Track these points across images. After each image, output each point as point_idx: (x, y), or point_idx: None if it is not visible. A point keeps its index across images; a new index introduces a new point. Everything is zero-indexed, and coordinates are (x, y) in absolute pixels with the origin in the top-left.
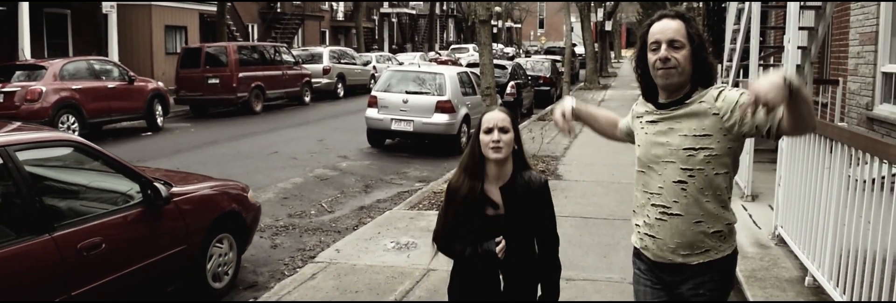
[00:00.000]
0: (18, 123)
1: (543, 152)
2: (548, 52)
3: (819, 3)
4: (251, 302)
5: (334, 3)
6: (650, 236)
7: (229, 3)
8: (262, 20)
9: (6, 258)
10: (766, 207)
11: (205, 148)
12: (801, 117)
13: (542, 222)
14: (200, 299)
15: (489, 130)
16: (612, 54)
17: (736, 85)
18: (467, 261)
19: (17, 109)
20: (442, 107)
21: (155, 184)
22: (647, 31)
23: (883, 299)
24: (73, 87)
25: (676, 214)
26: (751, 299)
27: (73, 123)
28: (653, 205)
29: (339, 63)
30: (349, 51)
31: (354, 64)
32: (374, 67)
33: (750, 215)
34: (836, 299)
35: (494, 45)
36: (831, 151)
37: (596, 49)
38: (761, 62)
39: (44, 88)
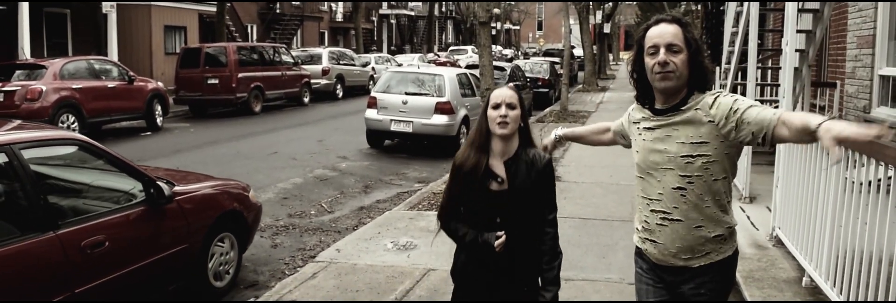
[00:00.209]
0: (19, 121)
1: None
2: (546, 54)
3: (817, 6)
4: (252, 301)
5: (333, 4)
6: (651, 240)
7: (229, 4)
8: (262, 21)
9: (11, 256)
10: (764, 208)
11: (204, 148)
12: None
13: (543, 201)
14: (202, 297)
15: (497, 106)
16: (611, 57)
17: (734, 87)
18: (466, 247)
19: (17, 108)
20: (441, 108)
21: (158, 183)
22: (643, 35)
23: (879, 300)
24: (74, 86)
25: (677, 220)
26: (749, 300)
27: (72, 123)
28: (653, 211)
29: (338, 64)
30: (348, 52)
31: (353, 65)
32: (373, 69)
33: (748, 217)
34: (833, 300)
35: (493, 46)
36: (828, 153)
37: (594, 51)
38: (759, 65)
39: (44, 88)
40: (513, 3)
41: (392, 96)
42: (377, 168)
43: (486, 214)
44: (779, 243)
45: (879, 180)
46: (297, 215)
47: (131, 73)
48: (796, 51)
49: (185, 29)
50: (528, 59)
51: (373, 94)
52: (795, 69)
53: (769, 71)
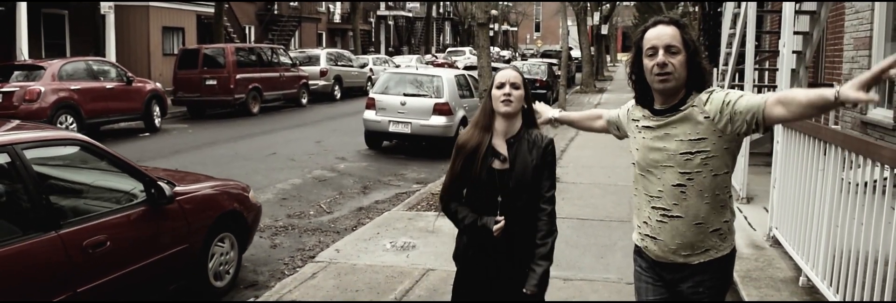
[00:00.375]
0: (18, 122)
1: None
2: (544, 55)
3: (814, 8)
4: (252, 301)
5: (331, 6)
6: (651, 237)
7: (227, 5)
8: (259, 22)
9: (13, 255)
10: (761, 209)
11: (203, 149)
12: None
13: (544, 179)
14: (202, 297)
15: (501, 85)
16: (608, 58)
17: (732, 88)
18: (465, 230)
19: (15, 109)
20: (439, 109)
21: (159, 183)
22: (642, 37)
23: (875, 299)
24: (72, 87)
25: (677, 216)
26: (746, 299)
27: (71, 124)
28: (653, 208)
29: (336, 65)
30: (346, 53)
31: (351, 66)
32: (371, 70)
33: (745, 217)
34: (829, 299)
35: (491, 48)
36: (825, 154)
37: (592, 53)
38: (756, 66)
39: (42, 89)
40: (510, 4)
41: (390, 97)
42: (376, 169)
43: (488, 193)
44: (776, 243)
45: (875, 181)
46: (296, 216)
47: (129, 74)
48: (793, 52)
49: (183, 30)
50: (526, 60)
51: (371, 95)
52: (792, 71)
53: (766, 72)
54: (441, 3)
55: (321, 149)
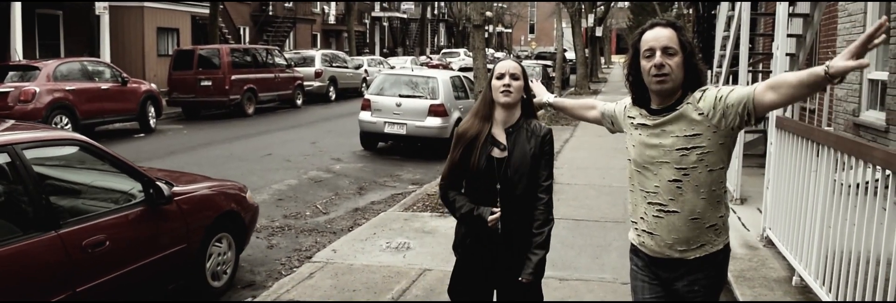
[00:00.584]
0: (13, 122)
1: None
2: (538, 57)
3: (807, 11)
4: (249, 301)
5: (326, 7)
6: (648, 232)
7: (221, 6)
8: (254, 23)
9: (14, 255)
10: (755, 210)
11: (198, 150)
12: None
13: (541, 168)
14: (200, 297)
15: (501, 76)
16: (603, 60)
17: None
18: (461, 219)
19: (10, 109)
20: (435, 110)
21: (157, 183)
22: (639, 39)
23: (867, 298)
24: (67, 88)
25: (673, 212)
26: (740, 298)
27: (66, 124)
28: (649, 203)
29: (331, 66)
30: (341, 54)
31: (346, 67)
32: (366, 71)
33: (739, 218)
34: (822, 298)
35: (486, 50)
36: (818, 155)
37: (586, 54)
38: (750, 68)
39: (37, 89)
40: (505, 5)
41: (386, 99)
42: (371, 170)
43: (487, 181)
44: (769, 243)
45: (868, 182)
46: (292, 217)
47: (124, 75)
48: (787, 55)
49: (177, 31)
50: (521, 62)
51: (366, 96)
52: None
53: (760, 75)
54: (436, 5)
55: (316, 150)
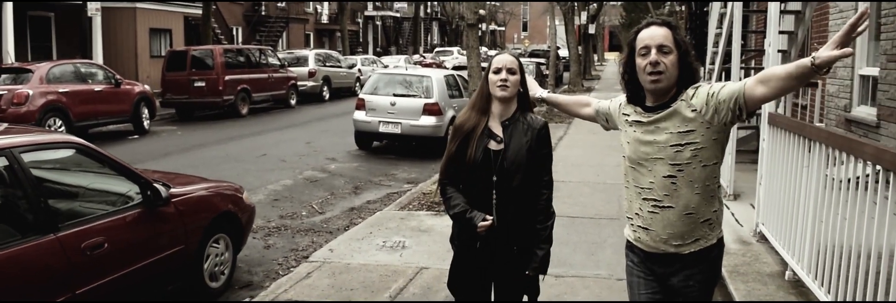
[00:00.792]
0: (6, 125)
1: None
2: (532, 54)
3: (799, 8)
4: (248, 301)
5: (318, 6)
6: (643, 228)
7: (214, 6)
8: (247, 23)
9: (13, 258)
10: (748, 205)
11: (193, 151)
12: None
13: (538, 162)
14: (198, 298)
15: (498, 70)
16: (596, 57)
17: None
18: (453, 219)
19: (3, 112)
20: (429, 109)
21: (154, 185)
22: (635, 37)
23: (858, 292)
24: (60, 90)
25: (668, 207)
26: (734, 293)
27: (59, 127)
28: (644, 199)
29: (325, 66)
30: (334, 54)
31: (340, 67)
32: (360, 70)
33: (732, 214)
34: (815, 292)
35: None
36: (810, 151)
37: (579, 52)
38: (743, 65)
39: (30, 92)
40: (498, 4)
41: (380, 98)
42: (366, 169)
43: (484, 173)
44: (762, 238)
45: (859, 177)
46: (288, 217)
47: (118, 77)
48: (779, 51)
49: (170, 32)
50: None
51: (361, 95)
52: None
53: (752, 72)
54: (429, 3)
55: (311, 150)
